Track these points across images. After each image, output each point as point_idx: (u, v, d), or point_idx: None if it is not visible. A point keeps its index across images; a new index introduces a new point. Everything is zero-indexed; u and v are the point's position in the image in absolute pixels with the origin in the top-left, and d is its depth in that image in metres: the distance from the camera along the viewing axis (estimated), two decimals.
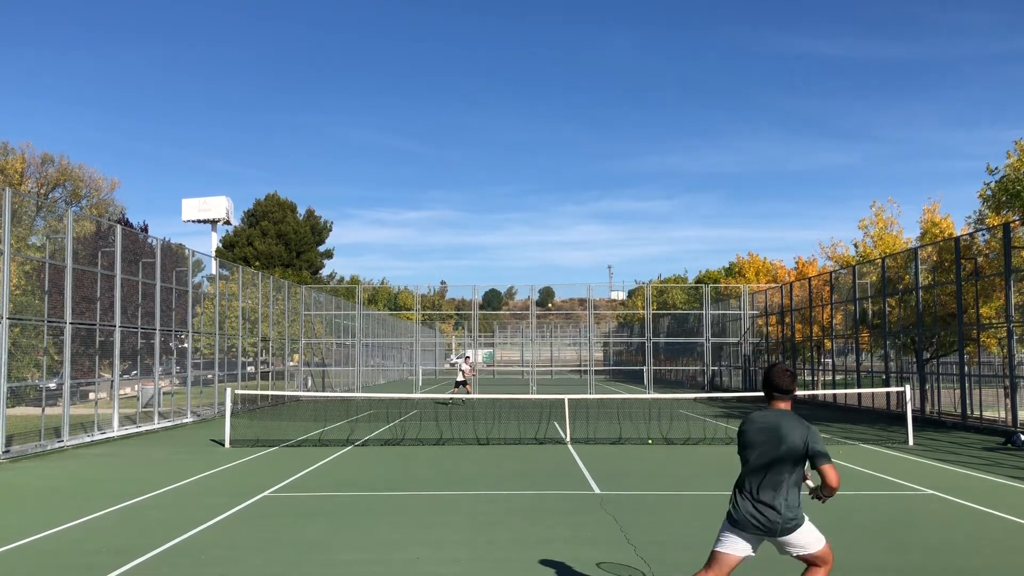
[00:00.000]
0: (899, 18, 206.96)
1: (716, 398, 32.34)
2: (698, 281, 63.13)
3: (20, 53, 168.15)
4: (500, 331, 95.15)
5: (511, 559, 7.65)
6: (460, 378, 30.00)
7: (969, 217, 24.55)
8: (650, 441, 17.55)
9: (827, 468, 4.86)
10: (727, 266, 62.01)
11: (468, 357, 32.37)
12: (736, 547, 5.03)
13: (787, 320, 35.01)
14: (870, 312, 27.02)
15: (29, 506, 10.51)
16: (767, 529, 4.90)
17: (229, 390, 18.20)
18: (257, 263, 60.97)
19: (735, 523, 5.01)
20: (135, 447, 17.14)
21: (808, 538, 5.01)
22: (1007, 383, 19.83)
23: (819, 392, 30.55)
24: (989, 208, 22.70)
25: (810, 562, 5.07)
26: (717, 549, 5.11)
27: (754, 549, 5.06)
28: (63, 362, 16.93)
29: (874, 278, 26.77)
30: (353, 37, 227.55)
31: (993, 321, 20.97)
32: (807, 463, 4.98)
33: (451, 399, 28.63)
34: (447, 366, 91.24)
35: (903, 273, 25.40)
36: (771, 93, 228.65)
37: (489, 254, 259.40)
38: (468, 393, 29.38)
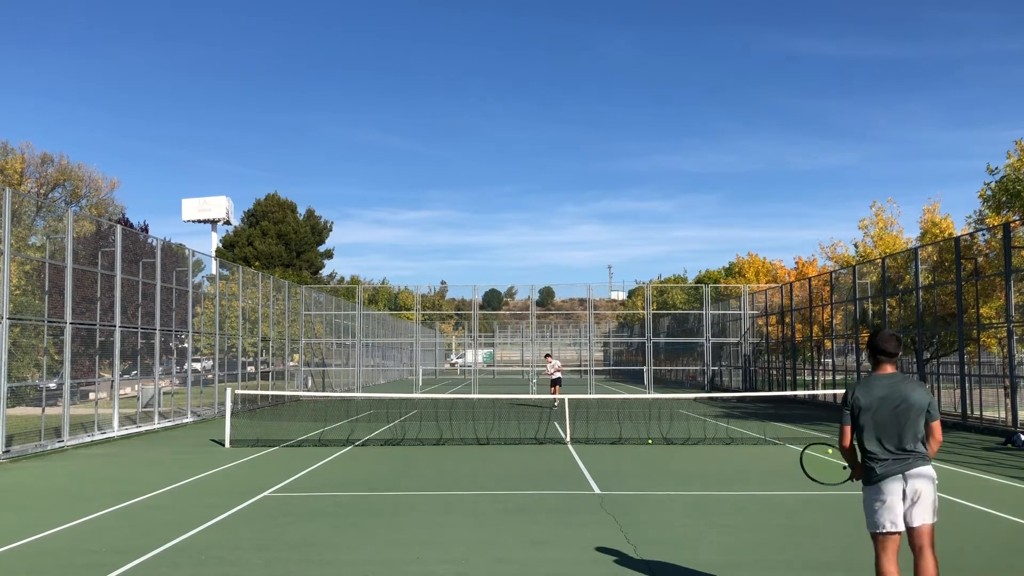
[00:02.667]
0: (899, 18, 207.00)
1: (716, 398, 32.34)
2: (698, 281, 63.12)
3: (20, 53, 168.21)
4: (500, 331, 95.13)
5: (511, 559, 7.64)
6: (556, 375, 28.20)
7: (969, 217, 24.57)
8: (650, 441, 17.54)
9: (937, 425, 5.36)
10: (727, 266, 61.99)
11: (550, 355, 30.83)
12: (893, 514, 5.22)
13: (787, 320, 35.01)
14: (870, 312, 27.01)
15: (29, 506, 10.51)
16: (914, 457, 5.21)
17: (229, 390, 18.20)
18: (257, 263, 60.97)
19: (879, 479, 5.23)
20: (135, 447, 17.15)
21: (933, 500, 5.25)
22: (1007, 383, 19.82)
23: (819, 392, 30.54)
24: (989, 208, 22.70)
25: (921, 543, 5.23)
26: (880, 531, 5.28)
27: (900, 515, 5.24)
28: (63, 362, 16.93)
29: (874, 278, 26.76)
30: (353, 37, 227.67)
31: (993, 321, 20.97)
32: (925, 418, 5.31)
33: (554, 399, 27.29)
34: (447, 366, 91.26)
35: (903, 273, 25.39)
36: (771, 93, 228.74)
37: (489, 254, 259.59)
38: (556, 393, 27.45)
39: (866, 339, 27.93)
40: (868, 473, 5.32)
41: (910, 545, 5.32)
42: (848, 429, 5.41)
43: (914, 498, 5.21)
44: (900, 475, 5.21)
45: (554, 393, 27.36)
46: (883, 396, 5.27)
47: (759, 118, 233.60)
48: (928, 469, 5.26)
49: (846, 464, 5.59)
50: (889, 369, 5.39)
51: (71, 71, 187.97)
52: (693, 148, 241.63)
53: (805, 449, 6.62)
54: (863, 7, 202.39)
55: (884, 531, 5.25)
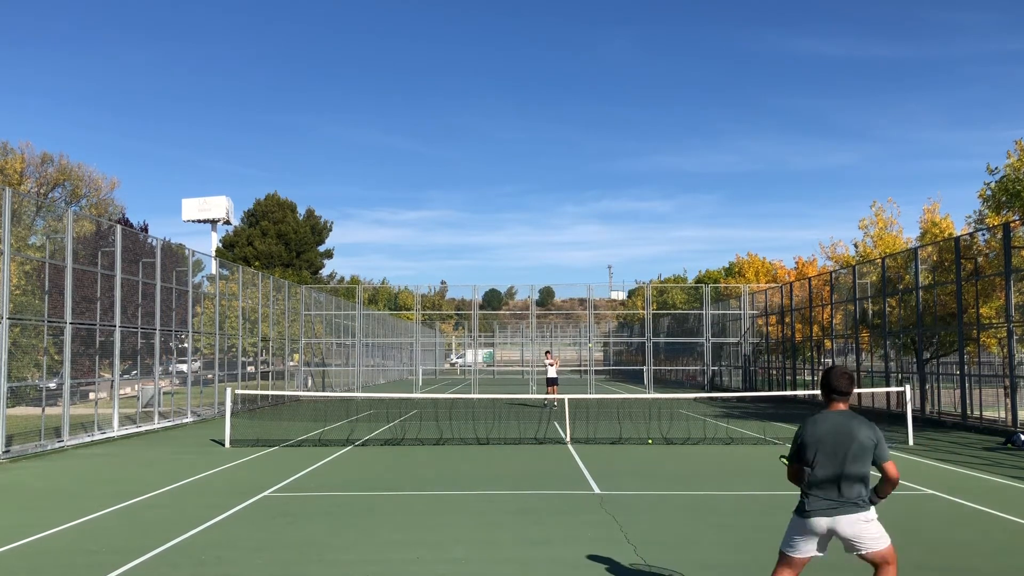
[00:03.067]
0: (899, 18, 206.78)
1: (716, 398, 32.34)
2: (698, 281, 63.13)
3: (20, 53, 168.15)
4: (500, 331, 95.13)
5: (511, 559, 7.65)
6: (553, 374, 27.91)
7: (969, 217, 24.56)
8: (650, 441, 17.55)
9: (891, 465, 5.23)
10: (727, 266, 62.01)
11: (550, 352, 30.63)
12: (806, 547, 5.29)
13: (787, 320, 35.01)
14: (870, 312, 27.02)
15: (29, 506, 10.52)
16: (847, 503, 5.14)
17: (229, 390, 18.20)
18: (257, 263, 60.96)
19: (807, 515, 5.22)
20: (135, 447, 17.15)
21: (875, 534, 5.21)
22: (1007, 383, 19.83)
23: (819, 392, 30.54)
24: (989, 208, 22.69)
25: (876, 563, 5.27)
26: (788, 552, 5.34)
27: (823, 547, 5.30)
28: (63, 362, 16.93)
29: (874, 278, 26.76)
30: (353, 37, 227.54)
31: (993, 321, 20.97)
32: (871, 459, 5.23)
33: (547, 400, 27.39)
34: (447, 365, 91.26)
35: (903, 273, 25.40)
36: (771, 93, 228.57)
37: (489, 254, 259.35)
38: (552, 393, 27.39)
39: (866, 339, 27.86)
40: (799, 503, 5.32)
41: (873, 565, 5.35)
42: (794, 468, 5.35)
43: (848, 542, 5.23)
44: (828, 519, 5.17)
45: (551, 393, 27.38)
46: (829, 433, 5.19)
47: (759, 118, 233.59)
48: (861, 515, 5.16)
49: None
50: (840, 407, 5.32)
51: (71, 71, 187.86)
52: (693, 148, 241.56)
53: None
54: (863, 7, 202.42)
55: (793, 555, 5.34)
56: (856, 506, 5.15)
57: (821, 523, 5.18)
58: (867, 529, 5.19)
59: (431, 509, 10.09)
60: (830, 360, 33.85)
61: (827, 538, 5.27)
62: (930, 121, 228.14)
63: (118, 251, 19.27)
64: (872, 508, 5.23)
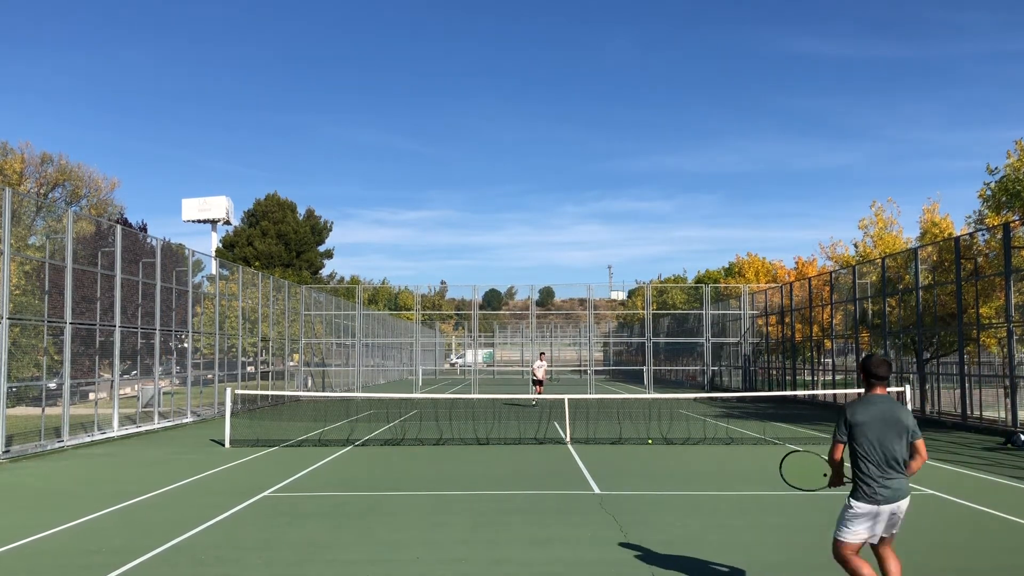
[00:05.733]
0: (899, 18, 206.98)
1: (716, 398, 32.33)
2: (698, 281, 63.09)
3: (20, 53, 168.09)
4: (500, 331, 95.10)
5: (511, 559, 7.65)
6: (541, 376, 28.90)
7: (969, 217, 24.54)
8: (650, 441, 17.54)
9: (922, 443, 5.62)
10: (727, 266, 61.97)
11: (544, 354, 31.33)
12: (865, 532, 5.54)
13: (787, 320, 35.00)
14: (870, 312, 27.01)
15: (29, 506, 10.51)
16: (897, 495, 5.45)
17: (229, 390, 18.20)
18: (257, 263, 60.94)
19: (877, 501, 5.46)
20: (135, 447, 17.14)
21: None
22: (1007, 383, 19.82)
23: (819, 392, 30.54)
24: (989, 208, 22.68)
25: (888, 547, 5.63)
26: (849, 539, 5.55)
27: (876, 528, 5.55)
28: (63, 362, 16.93)
29: (874, 278, 26.76)
30: (353, 37, 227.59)
31: (993, 321, 20.97)
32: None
33: (534, 399, 28.17)
34: (447, 366, 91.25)
35: (903, 273, 25.39)
36: (771, 93, 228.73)
37: (489, 254, 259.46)
38: (539, 393, 28.37)
39: (866, 339, 27.82)
40: (859, 490, 5.55)
41: (878, 551, 5.64)
42: (841, 447, 5.66)
43: (894, 520, 5.55)
44: (895, 503, 5.48)
45: (538, 392, 28.32)
46: (878, 415, 5.52)
47: (759, 118, 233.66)
48: (909, 488, 5.59)
49: (826, 473, 5.97)
50: (880, 391, 5.65)
51: (71, 71, 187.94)
52: (693, 148, 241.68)
53: (784, 458, 6.57)
54: (863, 7, 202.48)
55: (858, 541, 5.57)
56: (905, 479, 5.52)
57: (887, 508, 5.45)
58: (906, 507, 5.56)
59: (431, 509, 10.09)
60: (830, 360, 33.83)
61: (884, 522, 5.51)
62: (930, 121, 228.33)
63: (118, 251, 19.26)
64: None
